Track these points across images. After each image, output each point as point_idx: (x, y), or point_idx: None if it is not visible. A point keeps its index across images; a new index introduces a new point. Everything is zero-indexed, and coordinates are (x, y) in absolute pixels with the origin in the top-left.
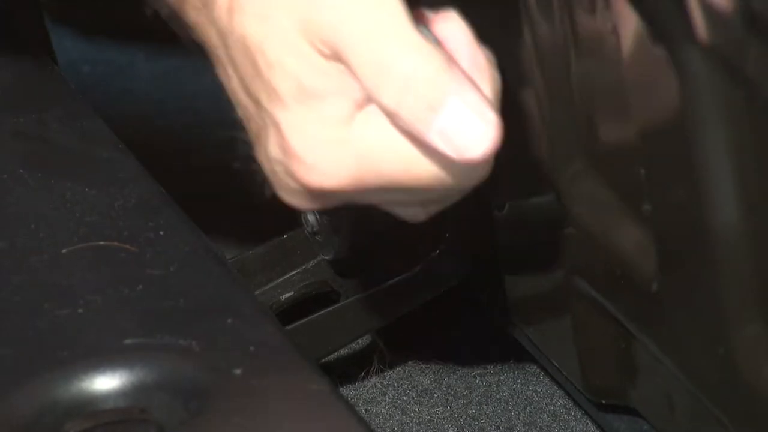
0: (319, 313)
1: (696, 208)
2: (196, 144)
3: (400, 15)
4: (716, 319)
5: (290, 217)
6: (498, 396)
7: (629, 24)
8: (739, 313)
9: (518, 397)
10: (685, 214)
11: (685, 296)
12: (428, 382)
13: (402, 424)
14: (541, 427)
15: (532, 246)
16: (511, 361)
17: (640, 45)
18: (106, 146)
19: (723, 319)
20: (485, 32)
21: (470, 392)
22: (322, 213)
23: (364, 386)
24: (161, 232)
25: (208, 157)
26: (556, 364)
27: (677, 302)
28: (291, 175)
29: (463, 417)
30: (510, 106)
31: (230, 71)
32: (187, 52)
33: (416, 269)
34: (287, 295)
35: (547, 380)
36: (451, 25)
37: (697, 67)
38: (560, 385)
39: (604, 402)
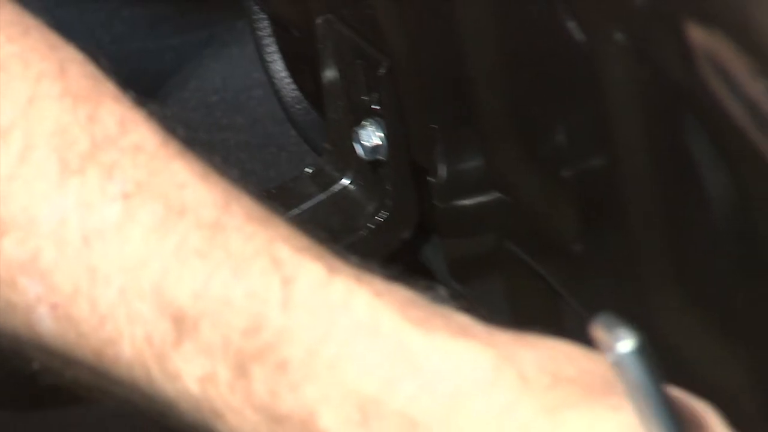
0: None
1: (610, 178)
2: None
3: None
4: (634, 286)
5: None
6: None
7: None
8: (654, 284)
9: None
10: (600, 183)
11: (604, 261)
12: None
13: None
14: None
15: (466, 212)
16: None
17: (558, 27)
18: None
19: (640, 287)
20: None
21: None
22: None
23: None
24: None
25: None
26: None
27: (598, 266)
28: None
29: None
30: (445, 81)
31: None
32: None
33: (357, 234)
34: None
35: None
36: None
37: (608, 47)
38: None
39: None
